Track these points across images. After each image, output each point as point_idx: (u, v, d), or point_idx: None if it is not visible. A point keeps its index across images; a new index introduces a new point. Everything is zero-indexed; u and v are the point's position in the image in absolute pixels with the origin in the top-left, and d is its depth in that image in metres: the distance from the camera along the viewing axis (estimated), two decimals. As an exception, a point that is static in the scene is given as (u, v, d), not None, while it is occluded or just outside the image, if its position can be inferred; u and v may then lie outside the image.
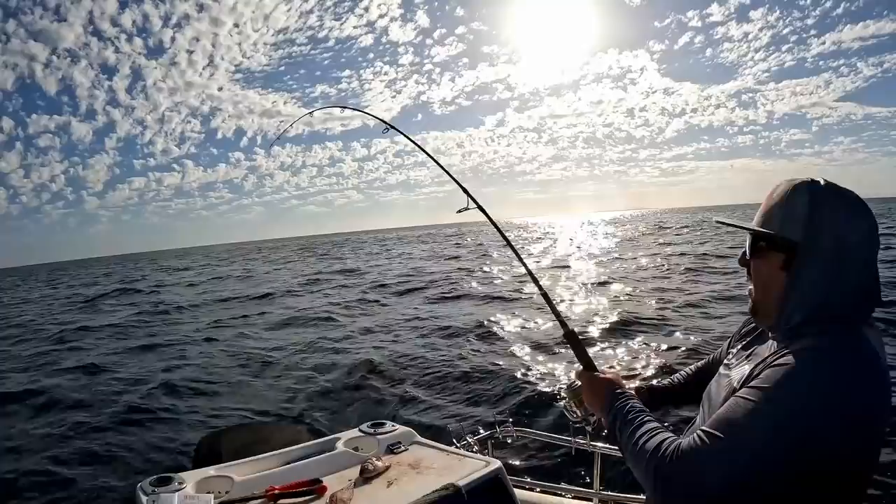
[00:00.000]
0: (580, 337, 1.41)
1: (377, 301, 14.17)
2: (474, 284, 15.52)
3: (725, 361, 1.23)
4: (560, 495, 2.36)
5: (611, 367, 1.41)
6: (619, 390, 1.21)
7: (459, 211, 1.86)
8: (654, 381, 1.51)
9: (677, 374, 1.51)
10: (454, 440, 2.43)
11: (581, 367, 1.35)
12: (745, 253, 1.12)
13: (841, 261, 0.97)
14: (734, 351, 1.22)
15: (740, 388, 1.00)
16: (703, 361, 1.47)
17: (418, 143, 2.11)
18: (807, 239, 0.99)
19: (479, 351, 8.13)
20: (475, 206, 1.82)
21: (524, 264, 1.65)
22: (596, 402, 1.25)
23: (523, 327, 9.34)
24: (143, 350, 10.30)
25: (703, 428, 0.95)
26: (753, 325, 1.21)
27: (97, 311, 17.66)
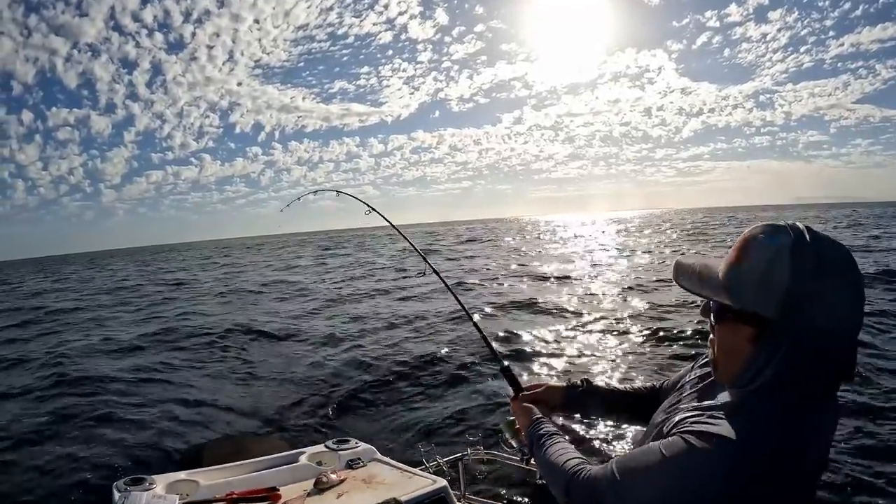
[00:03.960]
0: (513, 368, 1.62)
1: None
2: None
3: (678, 389, 1.23)
4: None
5: (540, 383, 1.53)
6: (536, 416, 1.33)
7: (419, 275, 2.13)
8: (601, 381, 1.56)
9: (628, 384, 1.55)
10: (424, 461, 2.54)
11: (512, 395, 1.51)
12: (709, 307, 1.02)
13: (818, 345, 0.87)
14: (692, 378, 1.21)
15: (667, 433, 1.02)
16: (658, 383, 1.48)
17: (396, 225, 2.39)
18: (782, 318, 0.87)
19: (460, 371, 8.26)
20: (432, 271, 2.07)
21: (461, 304, 1.87)
22: (522, 428, 1.39)
23: (504, 346, 9.45)
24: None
25: (614, 463, 1.02)
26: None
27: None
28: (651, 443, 1.01)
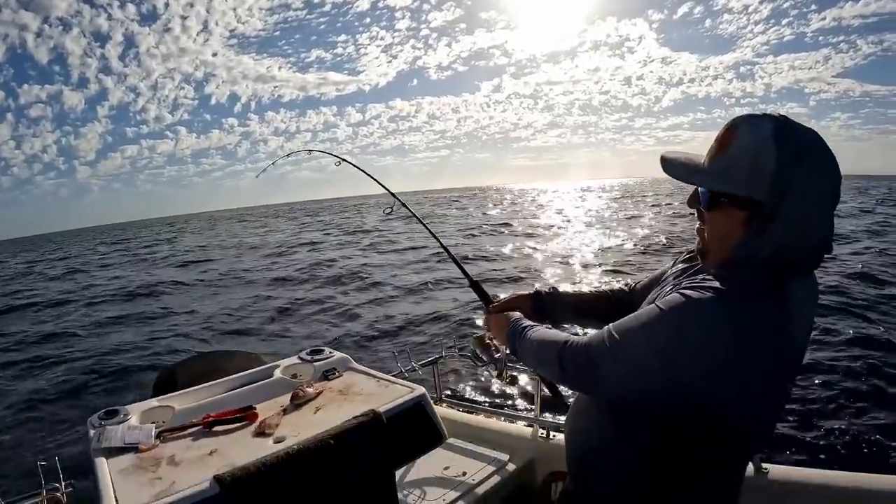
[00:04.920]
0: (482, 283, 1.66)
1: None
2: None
3: (661, 283, 1.27)
4: (502, 419, 2.56)
5: (512, 293, 1.56)
6: (515, 317, 1.33)
7: (386, 212, 2.12)
8: (569, 288, 1.60)
9: (597, 289, 1.57)
10: (399, 366, 2.61)
11: (485, 309, 1.53)
12: (697, 197, 1.07)
13: (806, 221, 0.95)
14: (674, 271, 1.25)
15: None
16: (630, 285, 1.52)
17: (368, 171, 2.30)
18: (773, 199, 0.94)
19: (433, 282, 8.55)
20: (401, 205, 2.06)
21: (426, 227, 1.94)
22: (500, 336, 1.39)
23: (472, 263, 9.89)
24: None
25: (610, 325, 1.04)
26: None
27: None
28: (644, 307, 1.05)
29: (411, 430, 1.56)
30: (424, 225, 1.95)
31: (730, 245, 1.00)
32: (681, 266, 1.25)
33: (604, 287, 1.57)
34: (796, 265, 0.99)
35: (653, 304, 1.01)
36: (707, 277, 1.02)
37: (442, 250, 1.87)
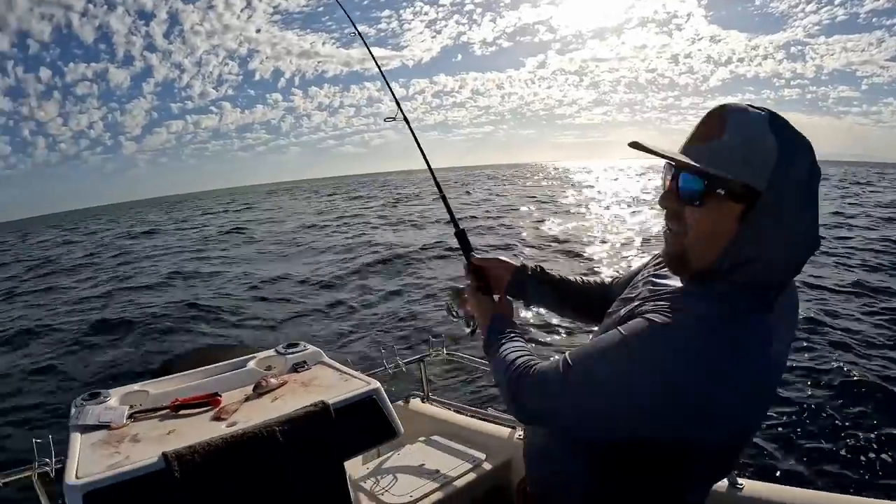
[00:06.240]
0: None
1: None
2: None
3: (633, 283, 1.19)
4: (486, 419, 2.60)
5: (497, 256, 1.50)
6: (497, 316, 1.28)
7: (387, 119, 1.99)
8: (549, 270, 1.50)
9: (579, 277, 1.49)
10: (385, 363, 2.68)
11: (465, 259, 1.49)
12: (677, 192, 0.94)
13: (801, 214, 0.87)
14: (645, 276, 1.15)
15: (622, 320, 0.98)
16: (609, 280, 1.46)
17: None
18: (771, 190, 0.85)
19: (420, 278, 8.63)
20: (403, 118, 1.92)
21: (425, 157, 1.82)
22: (479, 319, 1.36)
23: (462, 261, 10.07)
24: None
25: (567, 355, 0.96)
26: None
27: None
28: (606, 333, 0.96)
29: (361, 423, 1.65)
30: (424, 156, 1.85)
31: (719, 244, 0.90)
32: (652, 270, 1.16)
33: (588, 278, 1.50)
34: (787, 268, 0.92)
35: (614, 330, 0.92)
36: (679, 296, 0.95)
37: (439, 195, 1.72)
